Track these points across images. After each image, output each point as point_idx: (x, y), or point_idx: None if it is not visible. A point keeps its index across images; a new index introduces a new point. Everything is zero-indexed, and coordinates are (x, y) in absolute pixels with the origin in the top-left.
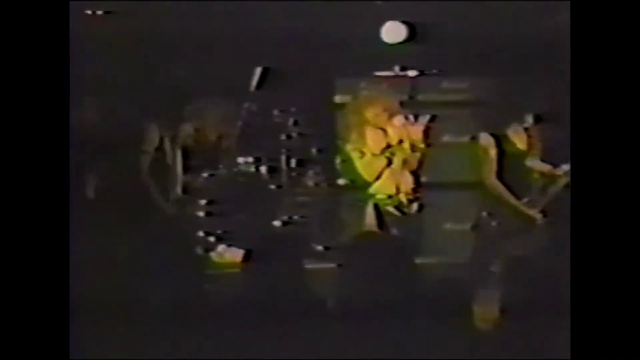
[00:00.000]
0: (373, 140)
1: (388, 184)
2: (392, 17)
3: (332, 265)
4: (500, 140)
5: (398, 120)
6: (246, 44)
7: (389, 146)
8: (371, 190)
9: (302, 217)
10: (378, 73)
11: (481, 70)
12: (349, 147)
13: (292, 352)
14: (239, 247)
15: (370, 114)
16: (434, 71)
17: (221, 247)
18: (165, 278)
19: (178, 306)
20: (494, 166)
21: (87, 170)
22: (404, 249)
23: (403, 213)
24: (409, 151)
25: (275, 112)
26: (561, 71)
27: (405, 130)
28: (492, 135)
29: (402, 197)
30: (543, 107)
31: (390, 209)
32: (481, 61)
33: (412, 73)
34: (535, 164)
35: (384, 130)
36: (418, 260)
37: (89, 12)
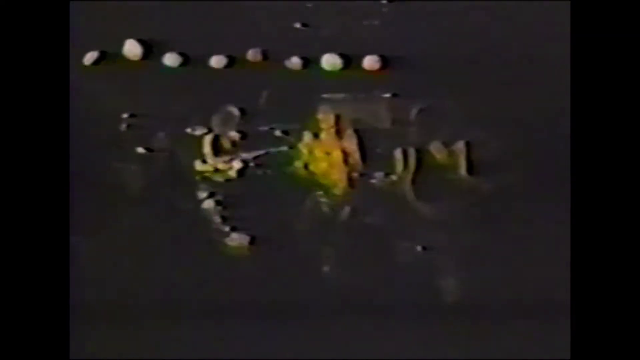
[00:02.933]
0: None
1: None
2: (371, 52)
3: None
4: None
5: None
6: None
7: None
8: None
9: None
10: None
11: (441, 93)
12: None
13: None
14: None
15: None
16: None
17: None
18: (165, 278)
19: (179, 306)
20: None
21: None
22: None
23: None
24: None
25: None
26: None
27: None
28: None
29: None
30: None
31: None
32: (442, 86)
33: (386, 95)
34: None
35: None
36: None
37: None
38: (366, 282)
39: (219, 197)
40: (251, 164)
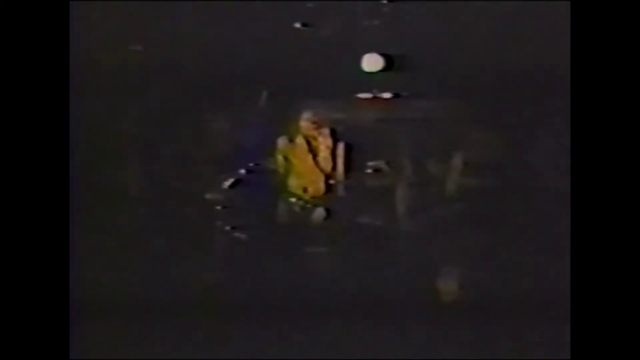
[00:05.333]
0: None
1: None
2: (371, 50)
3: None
4: None
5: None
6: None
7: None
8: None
9: None
10: (359, 95)
11: (441, 94)
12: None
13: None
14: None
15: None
16: (406, 94)
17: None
18: (165, 278)
19: (179, 306)
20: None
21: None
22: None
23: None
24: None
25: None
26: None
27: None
28: None
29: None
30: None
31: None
32: (444, 86)
33: (386, 95)
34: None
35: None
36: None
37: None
38: (364, 282)
39: (218, 198)
40: (251, 164)
